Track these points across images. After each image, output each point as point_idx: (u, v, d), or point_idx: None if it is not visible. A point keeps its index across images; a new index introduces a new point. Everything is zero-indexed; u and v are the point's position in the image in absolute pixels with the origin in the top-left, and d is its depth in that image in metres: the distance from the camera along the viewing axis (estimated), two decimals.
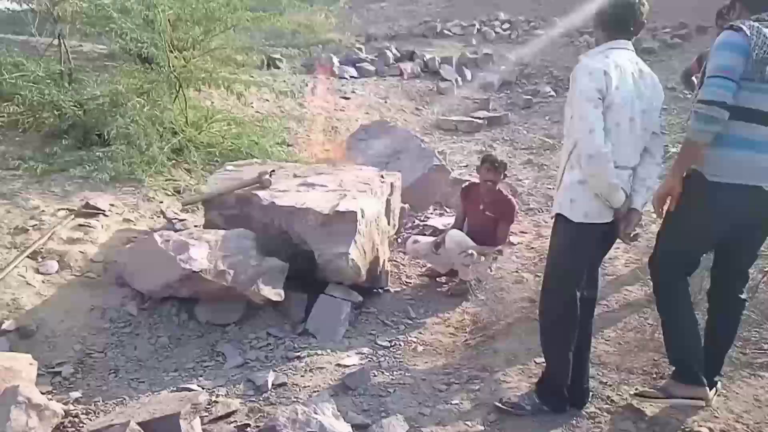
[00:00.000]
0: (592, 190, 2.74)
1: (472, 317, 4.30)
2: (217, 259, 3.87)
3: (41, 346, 3.57)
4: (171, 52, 5.94)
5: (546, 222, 6.03)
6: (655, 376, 3.42)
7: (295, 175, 4.76)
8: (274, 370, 3.50)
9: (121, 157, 5.23)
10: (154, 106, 5.67)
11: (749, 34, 2.61)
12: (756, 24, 2.65)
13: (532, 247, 5.43)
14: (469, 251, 4.39)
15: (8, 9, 6.61)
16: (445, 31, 16.03)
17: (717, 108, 2.61)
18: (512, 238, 5.63)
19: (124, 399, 3.21)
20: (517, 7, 17.37)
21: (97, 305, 3.95)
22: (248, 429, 2.90)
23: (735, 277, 3.04)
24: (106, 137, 5.41)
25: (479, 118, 10.53)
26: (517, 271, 4.91)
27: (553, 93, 12.14)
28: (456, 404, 3.13)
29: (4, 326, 3.57)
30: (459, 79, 12.75)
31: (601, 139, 2.64)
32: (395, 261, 5.15)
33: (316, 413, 2.70)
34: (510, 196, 4.74)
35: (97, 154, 5.35)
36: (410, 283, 4.86)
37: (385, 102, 10.74)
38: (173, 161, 5.97)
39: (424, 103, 11.48)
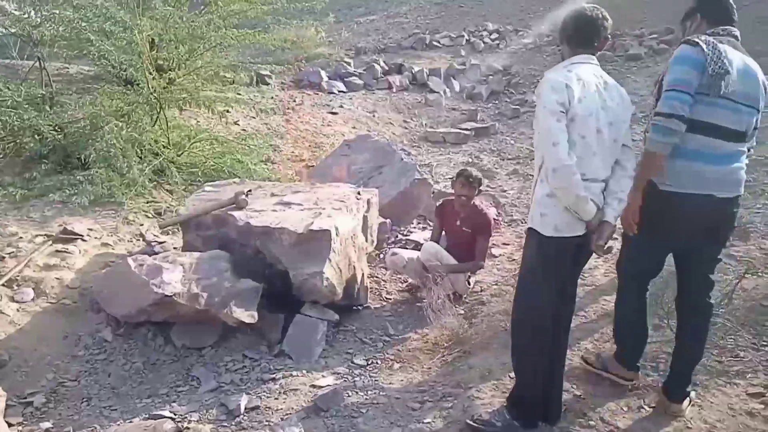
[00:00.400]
0: (561, 203, 2.72)
1: (450, 332, 4.27)
2: (191, 281, 3.86)
3: (13, 375, 3.56)
4: (150, 73, 5.92)
5: None
6: (630, 388, 3.39)
7: (272, 194, 4.75)
8: (248, 393, 3.48)
9: (100, 181, 5.23)
10: (134, 128, 5.66)
11: (705, 50, 2.70)
12: (711, 39, 2.76)
13: (513, 259, 5.39)
14: (435, 270, 4.46)
15: None
16: (434, 43, 16.06)
17: (675, 120, 2.71)
18: (494, 250, 5.62)
19: (95, 429, 3.19)
20: (505, 17, 17.47)
21: (71, 332, 3.95)
22: None
23: (699, 283, 3.04)
24: (85, 161, 5.40)
25: (466, 130, 10.54)
26: (497, 284, 4.88)
27: None
28: (428, 423, 3.10)
29: None
30: (447, 90, 12.78)
31: (565, 152, 2.62)
32: (376, 277, 5.14)
33: None
34: (486, 211, 4.71)
35: (78, 177, 5.36)
36: (390, 299, 4.84)
37: (373, 116, 10.74)
38: (154, 183, 5.97)
39: (412, 115, 11.49)
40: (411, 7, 19.10)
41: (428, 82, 12.78)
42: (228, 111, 6.95)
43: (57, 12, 5.57)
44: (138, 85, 5.93)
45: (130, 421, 3.24)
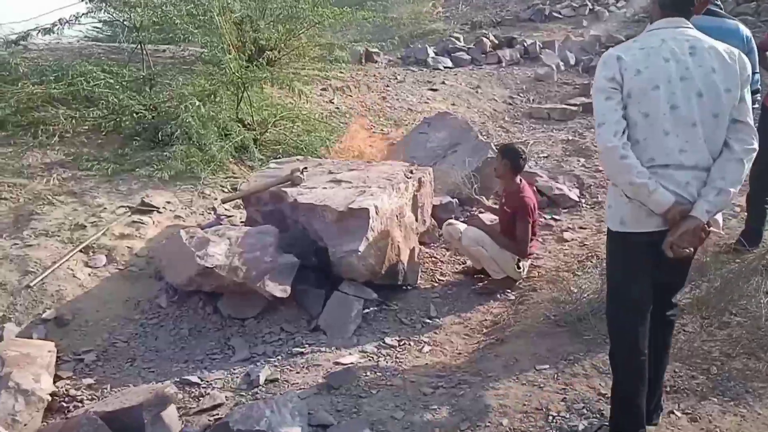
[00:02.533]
0: (621, 192, 2.43)
1: (494, 318, 4.15)
2: (235, 255, 4.02)
3: (73, 334, 3.90)
4: (231, 53, 6.16)
5: None
6: (668, 389, 3.12)
7: (329, 172, 4.82)
8: (274, 366, 3.60)
9: (180, 157, 5.54)
10: (214, 107, 5.93)
11: None
12: None
13: (585, 245, 5.11)
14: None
15: (102, 20, 7.13)
16: (555, 14, 15.40)
17: None
18: (566, 234, 5.37)
19: (130, 387, 3.44)
20: None
21: (132, 297, 4.26)
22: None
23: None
24: (171, 138, 5.75)
25: (574, 105, 10.03)
26: (556, 270, 4.65)
27: None
28: (433, 409, 3.05)
29: (44, 315, 3.95)
30: (561, 63, 12.20)
31: (609, 133, 2.32)
32: (434, 257, 5.07)
33: (271, 411, 2.74)
34: (524, 193, 4.42)
35: (165, 153, 5.72)
36: (443, 280, 4.76)
37: (476, 92, 10.50)
38: (237, 159, 6.25)
39: (519, 90, 11.11)
40: None
41: (541, 56, 12.30)
42: (303, 91, 7.02)
43: None
44: (221, 65, 6.20)
45: (161, 383, 3.46)
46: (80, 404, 3.28)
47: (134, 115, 6.05)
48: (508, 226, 4.42)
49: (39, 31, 6.48)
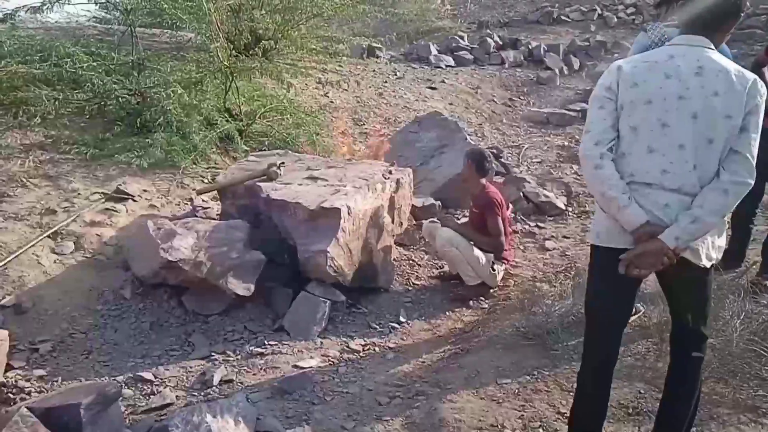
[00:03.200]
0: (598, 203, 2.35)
1: (463, 326, 4.04)
2: (201, 249, 3.93)
3: (31, 323, 3.80)
4: (219, 41, 6.04)
5: None
6: (630, 411, 3.02)
7: (308, 168, 4.72)
8: (232, 365, 3.50)
9: (160, 144, 5.43)
10: (197, 96, 5.83)
11: None
12: None
13: (566, 255, 5.00)
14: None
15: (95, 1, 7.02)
16: (563, 17, 15.24)
17: None
18: (548, 243, 5.26)
19: (80, 381, 3.35)
20: None
21: (96, 287, 4.16)
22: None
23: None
24: (152, 124, 5.65)
25: (573, 111, 9.89)
26: (533, 279, 4.54)
27: None
28: (386, 421, 2.95)
29: (3, 302, 3.85)
30: (565, 68, 12.09)
31: (591, 142, 2.24)
32: (412, 260, 4.97)
33: (213, 416, 2.64)
34: (489, 190, 4.41)
35: (147, 140, 5.62)
36: (418, 284, 4.65)
37: (476, 92, 10.39)
38: (221, 150, 6.15)
39: (520, 93, 11.00)
40: None
41: (545, 59, 12.16)
42: (291, 83, 6.93)
43: None
44: (209, 53, 6.09)
45: (114, 379, 3.37)
46: (27, 396, 3.19)
47: (118, 99, 5.95)
48: (480, 226, 4.34)
49: (27, 9, 6.38)
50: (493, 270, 4.34)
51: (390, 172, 4.53)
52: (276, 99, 7.04)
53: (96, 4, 7.36)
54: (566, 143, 8.51)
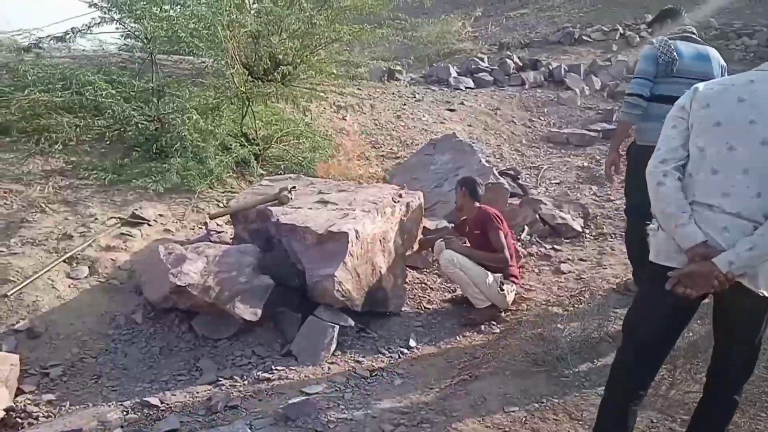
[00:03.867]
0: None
1: (473, 352, 3.99)
2: (211, 274, 3.95)
3: (43, 347, 3.85)
4: (234, 67, 6.13)
5: (613, 250, 5.46)
6: None
7: (319, 192, 4.73)
8: (238, 391, 3.50)
9: (176, 169, 5.51)
10: (212, 121, 5.91)
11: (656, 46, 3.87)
12: (664, 38, 3.91)
13: (582, 278, 4.92)
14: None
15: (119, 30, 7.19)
16: (584, 38, 15.17)
17: (635, 98, 3.94)
18: (564, 266, 5.17)
19: (88, 406, 3.37)
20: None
21: (109, 311, 4.19)
22: None
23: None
24: (169, 150, 5.73)
25: (594, 131, 9.81)
26: (546, 303, 4.47)
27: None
28: None
29: (17, 326, 3.90)
30: (586, 88, 12.01)
31: (657, 159, 2.26)
32: (424, 284, 4.93)
33: None
34: (485, 209, 4.54)
35: (165, 165, 5.70)
36: (429, 308, 4.61)
37: (495, 113, 10.35)
38: (238, 174, 6.21)
39: (540, 114, 10.93)
40: None
41: (565, 79, 12.09)
42: (307, 108, 7.02)
43: (155, 10, 5.93)
44: (225, 78, 6.18)
45: (121, 404, 3.39)
46: (35, 421, 3.22)
47: (137, 126, 6.06)
48: (484, 248, 4.35)
49: (51, 39, 6.56)
50: (502, 290, 4.29)
51: (400, 196, 4.53)
52: (293, 123, 7.09)
53: (120, 33, 7.51)
54: (586, 164, 8.43)
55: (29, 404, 3.37)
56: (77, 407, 3.35)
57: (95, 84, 5.80)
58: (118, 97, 5.84)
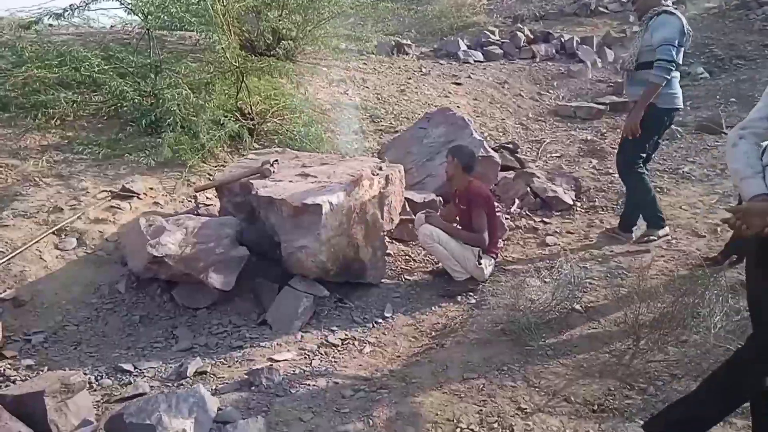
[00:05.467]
0: None
1: (447, 322, 4.02)
2: (189, 245, 4.03)
3: (27, 315, 3.97)
4: (227, 41, 6.15)
5: (602, 222, 5.42)
6: (595, 408, 2.96)
7: (302, 165, 4.76)
8: (211, 358, 3.59)
9: (169, 144, 5.58)
10: (203, 96, 5.95)
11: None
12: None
13: (565, 251, 4.89)
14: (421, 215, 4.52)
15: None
16: (601, 9, 14.91)
17: (673, 64, 4.38)
18: (550, 239, 5.16)
19: (65, 371, 3.48)
20: None
21: (94, 281, 4.30)
22: None
23: None
24: (163, 125, 5.79)
25: (602, 104, 9.68)
26: (524, 274, 4.47)
27: (706, 74, 10.83)
28: (344, 413, 2.97)
29: (3, 295, 4.03)
30: (598, 60, 11.84)
31: (740, 126, 2.34)
32: (408, 256, 4.97)
33: (168, 406, 2.72)
34: (476, 186, 4.45)
35: (158, 140, 5.78)
36: (410, 280, 4.64)
37: (503, 87, 10.25)
38: (232, 148, 6.27)
39: (549, 87, 10.82)
40: None
41: (577, 52, 11.91)
42: (299, 82, 7.03)
43: None
44: (219, 53, 6.21)
45: (96, 369, 3.50)
46: (12, 385, 3.34)
47: (133, 101, 6.13)
48: (466, 222, 4.34)
49: (50, 16, 6.64)
50: (480, 264, 4.30)
51: (380, 168, 4.53)
52: (291, 98, 7.11)
53: (123, 8, 7.55)
54: (590, 137, 8.34)
55: (8, 369, 3.49)
56: (55, 372, 3.46)
57: (87, 60, 5.86)
58: (111, 73, 5.90)
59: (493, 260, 4.45)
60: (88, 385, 3.32)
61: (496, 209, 4.89)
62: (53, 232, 4.60)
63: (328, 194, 4.06)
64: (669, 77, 4.38)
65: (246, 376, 3.28)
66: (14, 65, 6.33)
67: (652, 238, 4.83)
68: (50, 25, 7.73)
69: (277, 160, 4.68)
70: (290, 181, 4.43)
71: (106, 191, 5.17)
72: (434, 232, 4.26)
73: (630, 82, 4.72)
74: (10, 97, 5.98)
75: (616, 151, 5.21)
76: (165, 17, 6.39)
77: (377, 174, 4.43)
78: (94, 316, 4.05)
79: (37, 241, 4.46)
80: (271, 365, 3.34)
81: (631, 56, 4.62)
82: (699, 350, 3.27)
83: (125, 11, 7.40)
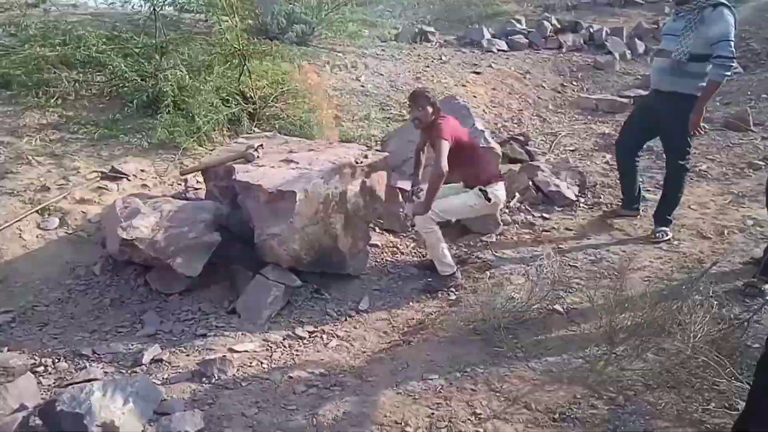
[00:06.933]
0: None
1: (422, 317, 3.86)
2: (162, 229, 3.94)
3: (0, 294, 3.95)
4: (229, 22, 6.05)
5: (603, 221, 5.19)
6: (556, 416, 2.78)
7: (289, 151, 4.63)
8: (172, 345, 3.50)
9: (163, 126, 5.52)
10: (207, 78, 5.87)
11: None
12: None
13: (561, 248, 4.68)
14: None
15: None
16: None
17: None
18: (546, 235, 4.95)
19: (23, 352, 3.43)
20: None
21: (71, 262, 4.26)
22: None
23: None
24: (159, 106, 5.73)
25: (627, 97, 9.34)
26: (510, 273, 4.27)
27: (740, 69, 10.31)
28: (291, 410, 2.85)
29: None
30: (628, 52, 11.43)
31: None
32: (396, 247, 4.81)
33: (102, 394, 2.63)
34: (439, 120, 4.20)
35: (154, 121, 5.72)
36: (394, 272, 4.49)
37: (524, 77, 9.96)
38: (232, 132, 6.18)
39: (573, 79, 10.49)
40: None
41: (606, 43, 11.54)
42: (300, 66, 6.91)
43: None
44: (222, 35, 6.13)
45: (56, 351, 3.44)
46: None
47: (133, 82, 6.08)
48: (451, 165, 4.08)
49: None
50: (490, 200, 4.18)
51: (365, 156, 4.38)
52: (296, 82, 6.98)
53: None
54: (608, 131, 8.04)
55: None
56: (15, 353, 3.42)
57: (87, 39, 5.82)
58: (109, 53, 5.85)
59: (500, 184, 4.31)
60: (43, 368, 3.28)
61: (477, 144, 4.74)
62: (37, 211, 4.57)
63: (304, 181, 3.93)
64: (729, 74, 4.37)
65: (197, 367, 3.18)
66: (21, 43, 6.34)
67: (668, 237, 4.77)
68: (73, 4, 7.75)
69: (261, 145, 4.56)
70: (272, 167, 4.30)
71: (96, 172, 5.12)
72: (432, 212, 4.08)
73: (676, 73, 4.50)
74: (13, 75, 5.96)
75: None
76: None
77: (361, 162, 4.27)
78: (66, 298, 4.00)
79: (18, 220, 4.43)
80: (225, 356, 3.22)
81: (682, 46, 4.41)
82: (678, 359, 3.05)
83: None
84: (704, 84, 4.39)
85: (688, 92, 4.45)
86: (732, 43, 4.24)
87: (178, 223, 3.99)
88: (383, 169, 4.43)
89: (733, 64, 4.32)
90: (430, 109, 4.21)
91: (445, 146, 3.99)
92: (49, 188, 4.79)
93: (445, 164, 3.94)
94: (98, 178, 5.04)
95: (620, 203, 5.27)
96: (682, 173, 4.79)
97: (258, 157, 4.49)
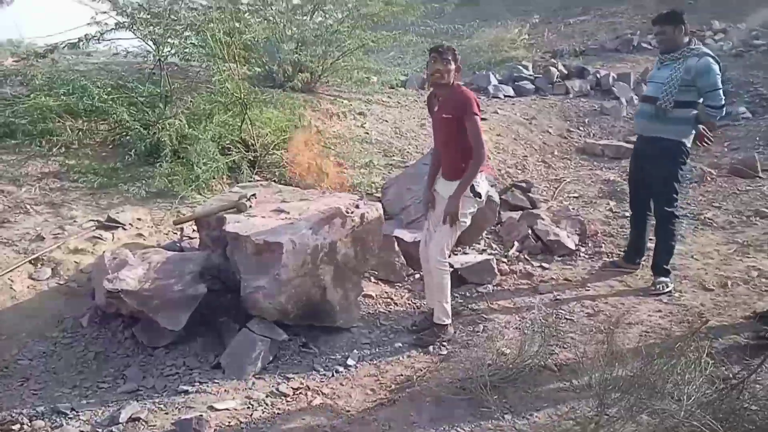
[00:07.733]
0: None
1: (411, 374, 3.75)
2: (149, 280, 3.90)
3: None
4: (227, 71, 6.12)
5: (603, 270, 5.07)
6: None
7: (282, 200, 4.61)
8: (153, 403, 3.42)
9: (161, 174, 5.54)
10: (207, 127, 5.91)
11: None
12: None
13: (558, 299, 4.57)
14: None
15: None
16: (643, 44, 14.48)
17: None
18: (544, 286, 4.83)
19: (1, 409, 3.37)
20: (740, 14, 15.02)
21: (59, 314, 4.22)
22: None
23: None
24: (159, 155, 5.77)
25: (632, 143, 9.24)
26: (505, 327, 4.16)
27: (748, 115, 10.28)
28: None
29: None
30: (635, 97, 11.39)
31: None
32: (390, 299, 4.72)
33: None
34: (462, 88, 3.95)
35: (154, 170, 5.75)
36: (386, 324, 4.39)
37: (530, 123, 9.96)
38: (231, 180, 6.19)
39: (580, 124, 10.46)
40: (630, 5, 17.34)
41: (613, 88, 11.54)
42: (303, 115, 6.97)
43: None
44: (219, 85, 6.19)
45: (35, 409, 3.37)
46: None
47: (136, 131, 6.15)
48: (454, 139, 3.91)
49: (66, 45, 6.78)
50: (480, 197, 4.02)
51: (357, 206, 4.33)
52: (299, 131, 7.03)
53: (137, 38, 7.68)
54: (613, 177, 7.96)
55: None
56: None
57: (88, 89, 5.92)
58: (112, 102, 5.92)
59: (482, 175, 4.03)
60: (18, 426, 3.21)
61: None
62: (29, 262, 4.56)
63: (292, 232, 3.89)
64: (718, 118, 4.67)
65: (171, 427, 3.09)
66: (28, 92, 6.45)
67: (669, 288, 4.66)
68: (88, 54, 7.90)
69: (254, 195, 4.54)
70: (263, 217, 4.27)
71: (92, 221, 5.13)
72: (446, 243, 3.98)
73: (660, 119, 4.56)
74: (18, 125, 6.05)
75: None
76: (172, 48, 6.44)
77: (352, 212, 4.23)
78: (50, 351, 3.94)
79: (9, 271, 4.42)
80: (201, 416, 3.14)
81: (668, 94, 4.48)
82: (671, 422, 2.91)
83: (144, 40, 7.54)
84: (687, 128, 4.56)
85: (673, 137, 4.52)
86: (721, 91, 4.38)
87: (164, 275, 3.95)
88: (376, 218, 4.38)
89: (722, 113, 4.53)
90: (453, 67, 3.88)
91: (479, 124, 3.79)
92: (44, 238, 4.79)
93: (485, 148, 3.78)
94: (94, 228, 5.04)
95: (622, 254, 5.17)
96: (672, 220, 4.73)
97: (250, 206, 4.47)
